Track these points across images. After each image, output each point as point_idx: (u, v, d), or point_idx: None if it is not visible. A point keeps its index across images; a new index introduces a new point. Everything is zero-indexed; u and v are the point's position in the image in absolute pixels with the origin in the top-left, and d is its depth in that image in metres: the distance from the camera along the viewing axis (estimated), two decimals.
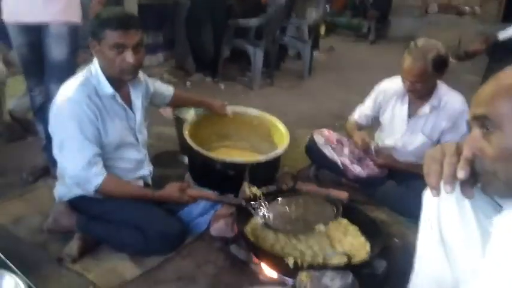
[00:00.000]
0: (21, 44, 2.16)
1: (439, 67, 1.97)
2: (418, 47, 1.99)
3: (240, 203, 1.86)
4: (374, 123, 2.42)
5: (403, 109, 2.19)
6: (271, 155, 2.19)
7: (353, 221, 1.89)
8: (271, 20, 4.35)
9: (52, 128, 1.69)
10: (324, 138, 2.35)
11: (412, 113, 2.17)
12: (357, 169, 2.23)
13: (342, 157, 2.28)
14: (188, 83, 4.26)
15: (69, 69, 2.15)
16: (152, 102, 2.09)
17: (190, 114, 2.51)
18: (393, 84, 2.22)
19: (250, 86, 4.35)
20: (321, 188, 2.26)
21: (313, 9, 5.51)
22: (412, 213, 1.98)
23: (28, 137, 2.77)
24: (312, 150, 2.37)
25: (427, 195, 1.16)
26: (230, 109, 2.44)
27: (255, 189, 1.93)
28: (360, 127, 2.41)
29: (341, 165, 2.25)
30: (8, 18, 2.12)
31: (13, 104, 2.79)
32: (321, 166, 2.42)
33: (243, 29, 4.45)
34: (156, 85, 2.09)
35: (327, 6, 5.98)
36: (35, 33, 2.11)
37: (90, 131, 1.64)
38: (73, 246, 1.68)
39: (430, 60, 1.94)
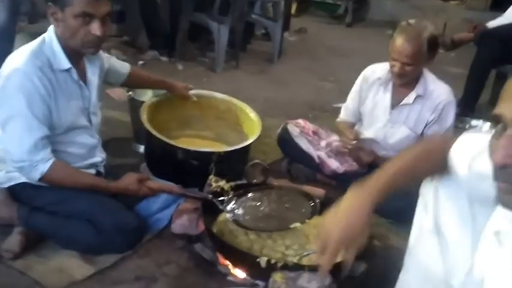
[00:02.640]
0: None
1: (433, 48, 2.14)
2: (411, 25, 2.14)
3: (206, 197, 1.93)
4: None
5: (385, 98, 2.33)
6: (240, 145, 2.28)
7: None
8: None
9: None
10: (299, 129, 2.46)
11: (395, 103, 2.32)
12: (334, 164, 2.35)
13: (319, 150, 2.40)
14: (140, 62, 4.24)
15: (7, 37, 2.15)
16: (105, 81, 2.11)
17: (147, 96, 2.55)
18: (376, 70, 2.36)
19: (212, 68, 4.40)
20: (294, 183, 2.37)
21: None
22: (393, 214, 2.15)
23: None
24: (285, 141, 2.47)
25: (425, 185, 1.29)
26: (194, 92, 2.50)
27: (222, 183, 2.00)
28: (351, 126, 2.50)
29: (317, 159, 2.37)
30: None
31: None
32: (295, 160, 2.53)
33: (205, 1, 4.48)
34: (111, 61, 2.11)
35: None
36: None
37: (40, 109, 1.65)
38: (13, 240, 1.70)
39: (425, 40, 2.10)
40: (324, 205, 1.96)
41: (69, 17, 1.63)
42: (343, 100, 2.60)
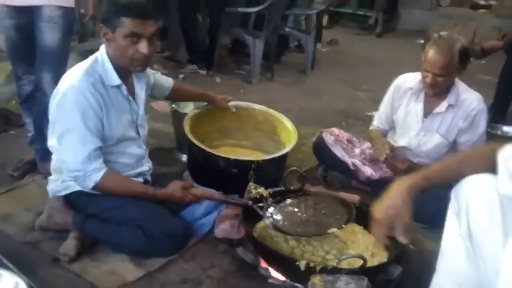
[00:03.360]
0: (10, 27, 2.22)
1: (464, 60, 2.11)
2: (443, 37, 2.11)
3: (246, 204, 1.94)
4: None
5: (418, 107, 2.30)
6: (277, 153, 2.29)
7: (366, 225, 1.98)
8: (272, 8, 4.44)
9: (53, 117, 1.76)
10: (334, 138, 2.46)
11: (427, 112, 2.28)
12: (368, 171, 2.33)
13: (353, 158, 2.38)
14: (181, 76, 4.33)
15: (61, 56, 2.22)
16: (151, 95, 2.17)
17: (189, 109, 2.60)
18: (408, 80, 2.33)
19: (248, 80, 4.44)
20: (329, 190, 2.36)
21: None
22: (427, 219, 2.11)
23: (10, 129, 2.83)
24: (321, 149, 2.47)
25: (456, 189, 1.28)
26: (233, 104, 2.53)
27: (261, 189, 2.01)
28: (384, 133, 2.49)
29: (352, 167, 2.35)
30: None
31: None
32: (330, 167, 2.52)
33: (241, 17, 4.54)
34: (156, 76, 2.17)
35: None
36: (26, 16, 2.16)
37: (93, 122, 1.71)
38: (69, 245, 1.76)
39: (457, 52, 2.07)
40: (359, 211, 1.97)
41: (119, 37, 1.69)
42: (376, 108, 2.58)
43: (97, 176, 1.74)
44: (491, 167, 1.23)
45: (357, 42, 6.92)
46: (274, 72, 4.68)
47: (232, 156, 2.20)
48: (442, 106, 2.23)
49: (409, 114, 2.34)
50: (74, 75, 1.74)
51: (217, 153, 2.19)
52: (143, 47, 1.70)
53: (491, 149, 1.26)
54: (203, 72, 4.53)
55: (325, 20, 6.74)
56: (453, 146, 2.29)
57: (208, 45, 4.59)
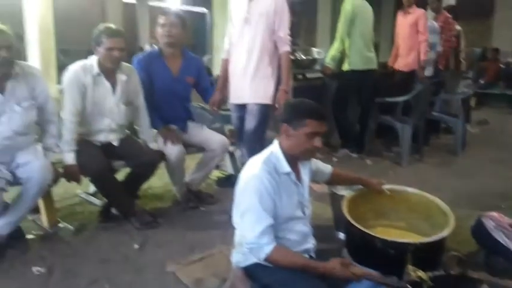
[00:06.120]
0: (235, 118, 3.14)
1: None
2: None
3: (406, 287, 1.80)
4: None
5: None
6: (436, 236, 2.11)
7: None
8: (419, 96, 4.33)
9: (238, 199, 1.93)
10: (495, 223, 2.19)
11: None
12: None
13: None
14: (334, 159, 4.38)
15: (255, 139, 2.86)
16: (313, 179, 2.23)
17: (345, 191, 2.60)
18: None
19: (397, 162, 4.29)
20: (493, 277, 2.06)
21: (463, 82, 5.36)
22: None
23: (200, 206, 3.15)
24: (481, 234, 2.21)
25: None
26: (387, 187, 2.46)
27: (421, 273, 1.85)
28: None
29: None
30: (230, 99, 3.14)
31: (188, 177, 3.23)
32: (492, 252, 2.22)
33: (389, 105, 4.51)
34: (317, 164, 2.25)
35: (480, 80, 5.73)
36: (242, 110, 3.04)
37: (268, 203, 1.83)
38: None
39: None
40: None
41: (301, 134, 1.85)
42: None
43: (268, 249, 1.81)
44: None
45: (509, 122, 6.26)
46: (424, 154, 4.45)
47: (390, 238, 2.10)
48: None
49: None
50: (255, 165, 1.91)
51: (375, 234, 2.12)
52: (318, 142, 1.85)
53: None
54: (354, 155, 4.53)
55: (473, 101, 6.31)
56: None
57: (359, 131, 4.62)
